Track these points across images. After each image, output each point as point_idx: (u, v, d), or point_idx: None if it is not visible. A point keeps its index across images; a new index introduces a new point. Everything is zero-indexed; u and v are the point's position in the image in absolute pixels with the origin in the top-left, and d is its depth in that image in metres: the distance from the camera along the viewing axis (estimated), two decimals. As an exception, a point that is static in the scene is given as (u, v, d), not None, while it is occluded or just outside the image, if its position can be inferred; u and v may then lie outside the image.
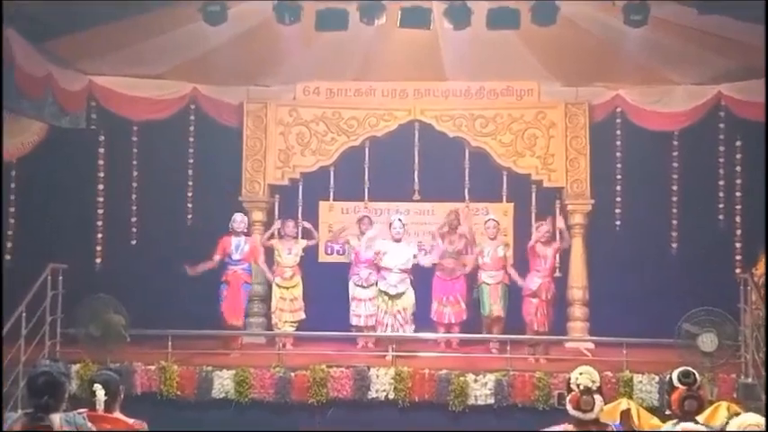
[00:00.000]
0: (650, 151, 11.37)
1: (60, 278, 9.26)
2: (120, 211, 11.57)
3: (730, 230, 11.40)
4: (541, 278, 10.00)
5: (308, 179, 11.62)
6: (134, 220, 11.67)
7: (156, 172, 11.55)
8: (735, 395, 8.50)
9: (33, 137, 10.48)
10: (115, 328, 9.01)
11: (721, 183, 11.45)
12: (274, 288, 10.62)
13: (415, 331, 10.23)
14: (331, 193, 11.69)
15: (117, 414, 4.72)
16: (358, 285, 10.55)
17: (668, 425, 4.97)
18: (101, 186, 11.54)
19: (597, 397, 4.77)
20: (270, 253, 10.78)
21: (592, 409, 4.74)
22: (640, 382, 8.83)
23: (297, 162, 11.52)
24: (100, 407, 4.59)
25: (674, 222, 11.59)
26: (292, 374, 9.01)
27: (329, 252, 11.69)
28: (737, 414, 4.97)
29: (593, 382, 4.83)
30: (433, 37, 10.09)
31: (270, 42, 10.16)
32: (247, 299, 10.53)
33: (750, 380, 8.69)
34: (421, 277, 10.50)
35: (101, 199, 11.53)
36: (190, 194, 11.72)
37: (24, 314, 8.63)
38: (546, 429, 4.81)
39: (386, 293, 10.14)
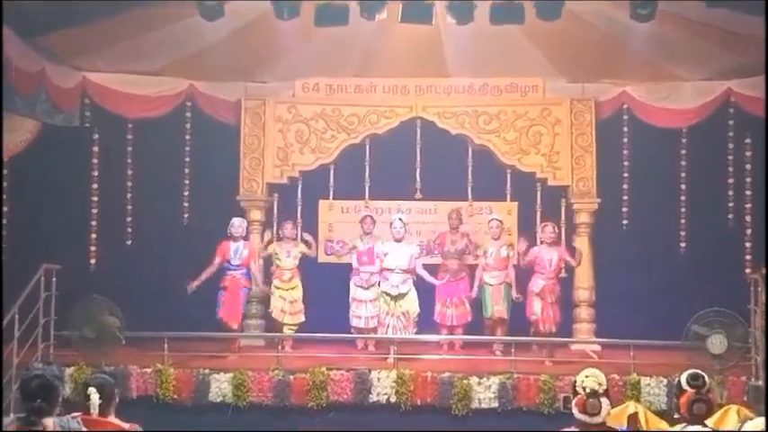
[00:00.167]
0: (658, 149, 11.37)
1: (54, 279, 9.27)
2: (115, 210, 11.56)
3: (740, 229, 11.40)
4: (545, 280, 10.00)
5: (308, 178, 11.62)
6: (129, 219, 11.65)
7: (151, 171, 11.55)
8: (745, 398, 8.50)
9: (26, 135, 10.48)
10: (110, 331, 9.01)
11: (731, 181, 11.45)
12: (273, 290, 10.62)
13: (418, 333, 10.24)
14: (331, 192, 11.68)
15: (112, 418, 4.72)
16: (359, 286, 10.54)
17: (677, 429, 4.96)
18: (95, 185, 11.53)
19: (604, 400, 4.77)
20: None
21: (598, 413, 4.74)
22: (648, 384, 8.82)
23: (296, 160, 11.51)
24: (94, 411, 4.59)
25: (683, 221, 11.58)
26: (291, 377, 9.01)
27: (329, 252, 11.67)
28: (750, 418, 4.96)
29: (600, 384, 4.82)
30: (436, 32, 10.08)
31: (268, 38, 10.16)
32: (246, 301, 10.53)
33: (761, 382, 8.66)
34: (423, 281, 10.49)
35: (95, 198, 11.52)
36: (186, 194, 11.71)
37: (17, 316, 8.64)
38: (551, 433, 4.81)
39: (388, 294, 10.14)
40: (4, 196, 10.86)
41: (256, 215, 11.34)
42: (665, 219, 11.52)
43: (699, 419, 4.89)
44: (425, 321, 10.40)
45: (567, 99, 11.39)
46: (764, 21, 8.51)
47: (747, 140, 11.32)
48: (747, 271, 10.74)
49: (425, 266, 10.57)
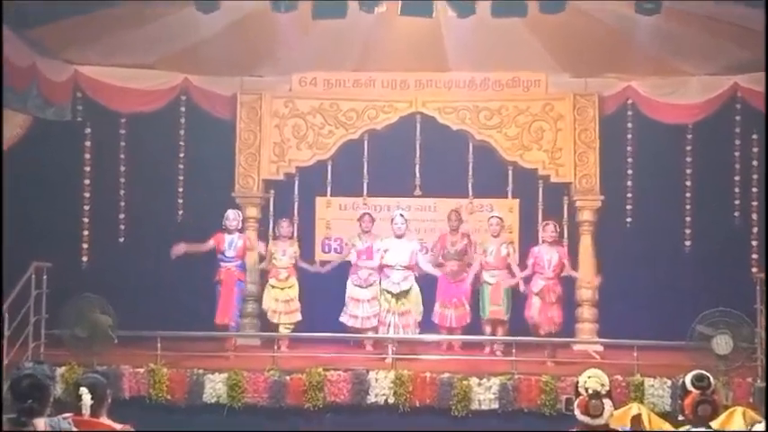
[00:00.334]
0: (663, 145, 11.37)
1: (45, 277, 9.28)
2: (108, 207, 11.56)
3: (746, 228, 11.39)
4: (545, 280, 10.00)
5: (305, 174, 11.63)
6: (122, 216, 11.65)
7: (144, 166, 11.54)
8: (751, 400, 8.50)
9: (16, 129, 10.44)
10: (102, 330, 9.01)
11: (737, 178, 11.44)
12: (268, 289, 10.64)
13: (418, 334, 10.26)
14: (328, 189, 11.69)
15: (104, 419, 4.72)
16: (357, 285, 10.55)
17: (681, 431, 4.97)
18: (87, 181, 11.53)
19: (607, 401, 4.78)
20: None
21: (601, 415, 4.75)
22: (652, 386, 8.83)
23: (293, 156, 11.51)
24: (86, 411, 4.59)
25: (688, 219, 11.58)
26: (287, 378, 9.01)
27: (326, 250, 11.68)
28: (757, 421, 4.98)
29: (603, 385, 4.84)
30: (436, 25, 10.08)
31: (265, 31, 10.16)
32: (242, 299, 10.54)
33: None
34: (424, 280, 10.51)
35: (87, 194, 11.53)
36: (180, 190, 11.71)
37: (7, 314, 8.64)
38: (553, 435, 4.82)
39: (389, 292, 10.15)
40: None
41: (252, 212, 11.35)
42: (669, 217, 11.51)
43: (704, 421, 4.91)
44: (425, 322, 10.42)
45: (570, 94, 11.38)
46: (764, 19, 8.51)
47: (754, 136, 11.30)
48: (754, 270, 10.75)
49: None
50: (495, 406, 8.91)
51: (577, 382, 4.91)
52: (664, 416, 7.66)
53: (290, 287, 10.63)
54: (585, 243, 11.19)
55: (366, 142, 11.57)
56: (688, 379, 5.13)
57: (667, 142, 11.39)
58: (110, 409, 4.81)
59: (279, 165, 11.50)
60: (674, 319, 9.47)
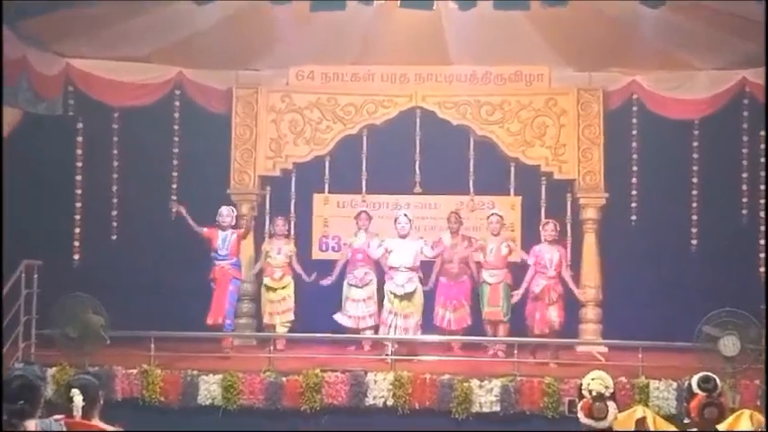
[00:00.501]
0: (668, 141, 11.36)
1: (35, 276, 9.28)
2: (100, 203, 11.56)
3: (754, 226, 11.39)
4: (546, 280, 10.00)
5: (302, 170, 11.62)
6: (114, 213, 11.65)
7: (138, 162, 11.53)
8: (758, 402, 8.49)
9: (6, 124, 10.46)
10: (94, 330, 9.00)
11: (744, 175, 11.45)
12: (263, 289, 10.64)
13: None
14: (326, 186, 11.68)
15: (95, 421, 4.72)
16: (353, 285, 10.56)
17: (687, 434, 4.98)
18: (79, 177, 11.53)
19: (611, 404, 4.79)
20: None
21: (605, 417, 4.76)
22: (657, 388, 8.82)
23: (289, 152, 11.51)
24: (77, 413, 4.59)
25: (694, 217, 11.59)
26: (284, 379, 9.00)
27: (323, 249, 11.67)
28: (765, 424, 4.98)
29: (607, 388, 4.84)
30: (437, 18, 10.08)
31: (261, 24, 10.16)
32: (237, 298, 10.53)
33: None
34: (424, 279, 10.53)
35: (79, 191, 11.52)
36: (174, 186, 11.69)
37: (-3, 314, 8.65)
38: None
39: (393, 294, 10.15)
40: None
41: (248, 209, 11.34)
42: (675, 214, 11.52)
43: (710, 424, 4.92)
44: (425, 323, 10.41)
45: (573, 89, 11.38)
46: (764, 17, 8.51)
47: (762, 132, 11.28)
48: (762, 269, 10.76)
49: (422, 264, 10.56)
50: (497, 408, 8.90)
51: (581, 385, 4.92)
52: (669, 419, 7.65)
53: (284, 287, 10.63)
54: (589, 241, 11.19)
55: (365, 137, 11.56)
56: (694, 381, 5.14)
57: (673, 138, 11.38)
58: (102, 411, 4.80)
59: (275, 161, 11.49)
60: (680, 320, 9.47)
